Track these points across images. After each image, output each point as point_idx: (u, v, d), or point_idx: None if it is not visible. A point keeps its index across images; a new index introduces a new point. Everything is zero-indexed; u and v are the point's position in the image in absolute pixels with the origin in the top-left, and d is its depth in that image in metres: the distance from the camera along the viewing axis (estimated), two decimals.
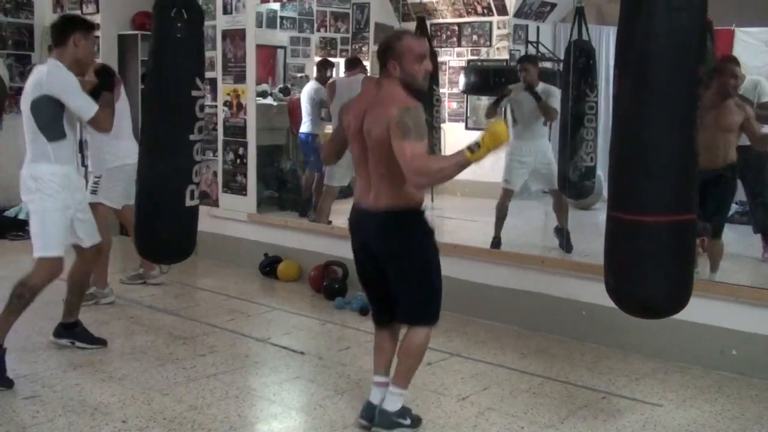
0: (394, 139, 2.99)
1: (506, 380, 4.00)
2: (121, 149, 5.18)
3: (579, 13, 5.81)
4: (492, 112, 6.38)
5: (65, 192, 3.91)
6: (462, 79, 8.39)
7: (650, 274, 3.00)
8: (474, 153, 2.88)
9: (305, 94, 7.65)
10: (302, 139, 7.75)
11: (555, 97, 6.04)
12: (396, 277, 3.30)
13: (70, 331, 4.32)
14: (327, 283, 5.49)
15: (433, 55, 7.61)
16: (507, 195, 6.16)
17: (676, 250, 2.99)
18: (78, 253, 4.19)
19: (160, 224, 4.07)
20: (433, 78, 7.39)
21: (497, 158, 9.20)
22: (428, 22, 8.11)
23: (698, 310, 4.16)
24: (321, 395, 3.75)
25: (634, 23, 2.84)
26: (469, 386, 3.90)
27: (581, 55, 5.52)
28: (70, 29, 3.94)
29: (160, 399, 3.64)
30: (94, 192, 5.16)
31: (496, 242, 5.97)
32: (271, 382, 3.93)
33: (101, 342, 4.35)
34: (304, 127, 7.61)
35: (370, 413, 3.37)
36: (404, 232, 3.24)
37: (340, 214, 6.50)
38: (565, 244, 5.71)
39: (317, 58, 9.16)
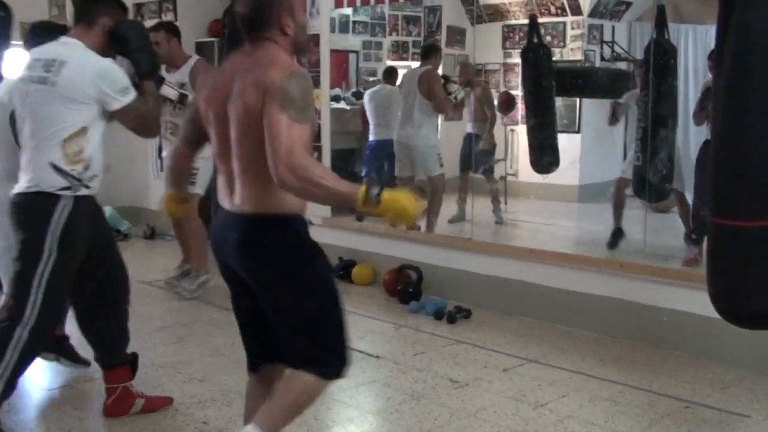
0: (269, 110, 2.19)
1: (585, 387, 3.92)
2: None
3: (660, 12, 5.68)
4: (614, 120, 6.39)
5: None
6: None
7: (752, 284, 2.85)
8: (367, 202, 2.20)
9: (382, 98, 7.63)
10: (374, 146, 7.70)
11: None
12: (272, 313, 2.49)
13: None
14: (401, 287, 5.49)
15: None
16: (622, 183, 6.10)
17: None
18: None
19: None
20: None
21: (572, 160, 9.20)
22: (502, 24, 8.04)
23: None
24: (397, 399, 3.74)
25: (729, 18, 2.72)
26: (548, 393, 3.84)
27: (664, 54, 5.39)
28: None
29: (240, 401, 3.65)
30: (191, 183, 5.35)
31: (618, 233, 5.90)
32: (347, 385, 3.94)
33: None
34: (381, 134, 7.55)
35: None
36: (276, 248, 2.40)
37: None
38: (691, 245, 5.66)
39: (389, 62, 9.19)
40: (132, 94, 3.17)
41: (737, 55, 2.71)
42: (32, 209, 3.11)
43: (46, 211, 3.07)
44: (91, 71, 3.11)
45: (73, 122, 3.09)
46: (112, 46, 3.25)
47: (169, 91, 5.24)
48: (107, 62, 3.19)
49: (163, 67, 5.33)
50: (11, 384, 3.09)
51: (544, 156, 6.77)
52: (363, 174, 7.74)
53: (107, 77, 3.12)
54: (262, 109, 2.21)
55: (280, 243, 2.40)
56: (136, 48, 3.28)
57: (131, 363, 3.52)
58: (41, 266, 3.06)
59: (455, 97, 6.84)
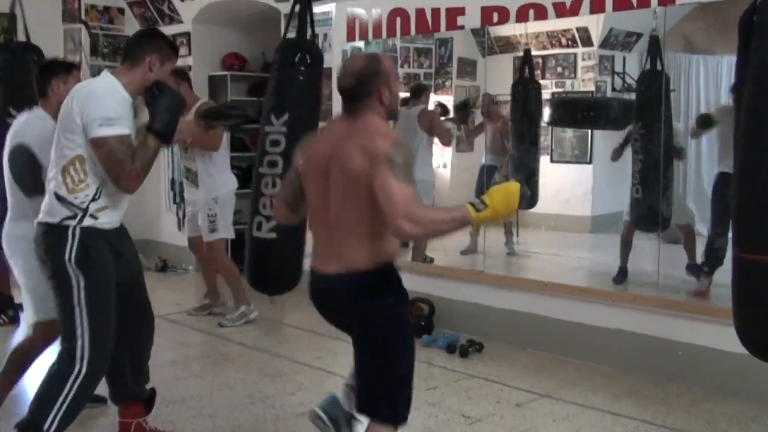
0: (379, 176, 2.46)
1: (599, 423, 3.88)
2: (228, 177, 5.69)
3: (653, 43, 5.70)
4: (618, 154, 6.33)
5: None
6: (547, 111, 8.32)
7: None
8: (479, 212, 2.47)
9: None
10: None
11: (679, 133, 6.02)
12: (356, 350, 2.74)
13: None
14: (413, 320, 5.46)
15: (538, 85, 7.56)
16: (630, 227, 6.03)
17: None
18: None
19: (244, 252, 4.26)
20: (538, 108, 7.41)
21: (585, 193, 9.17)
22: (513, 55, 8.07)
23: None
24: None
25: (748, 52, 2.71)
26: (561, 429, 3.80)
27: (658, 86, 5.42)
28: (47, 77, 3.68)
29: None
30: (213, 231, 5.48)
31: (623, 272, 5.89)
32: None
33: None
34: None
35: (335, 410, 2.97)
36: (373, 298, 2.66)
37: (435, 251, 6.51)
38: (696, 275, 5.56)
39: (401, 94, 9.23)
40: (115, 129, 2.93)
41: (757, 87, 2.69)
42: (46, 242, 3.06)
43: (57, 243, 3.02)
44: (81, 95, 3.00)
45: (68, 150, 3.00)
46: (145, 92, 3.11)
47: None
48: (105, 86, 3.03)
49: None
50: (69, 416, 3.03)
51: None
52: None
53: (93, 100, 2.96)
54: (369, 173, 2.48)
55: (380, 291, 2.66)
56: (164, 105, 3.10)
57: (146, 400, 3.47)
58: (75, 293, 2.99)
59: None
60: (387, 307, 2.68)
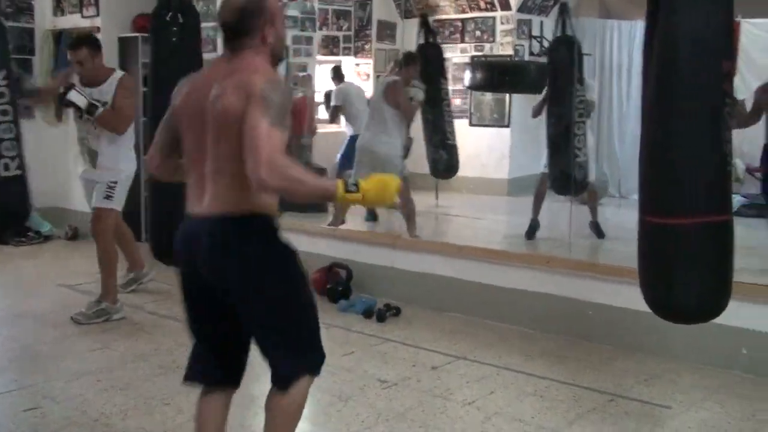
0: (250, 115, 2.23)
1: (513, 383, 3.94)
2: (132, 156, 5.19)
3: (563, 10, 5.80)
4: (539, 111, 6.41)
5: None
6: (467, 75, 8.35)
7: (682, 278, 2.89)
8: (348, 193, 2.31)
9: (358, 94, 7.95)
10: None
11: (592, 89, 6.43)
12: (249, 320, 2.47)
13: None
14: (330, 286, 5.44)
15: (438, 49, 7.62)
16: (545, 179, 6.29)
17: (708, 253, 2.85)
18: None
19: None
20: (441, 72, 7.41)
21: (502, 157, 9.26)
22: (431, 19, 8.05)
23: None
24: (325, 402, 3.69)
25: (656, 20, 2.75)
26: (475, 390, 3.85)
27: (566, 51, 5.52)
28: None
29: (162, 408, 3.60)
30: (109, 197, 5.04)
31: (534, 225, 6.16)
32: None
33: None
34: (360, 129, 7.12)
35: None
36: (251, 248, 2.40)
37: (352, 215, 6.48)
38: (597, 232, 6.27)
39: (320, 57, 9.14)
40: None
41: (665, 59, 2.75)
42: None
43: None
44: None
45: None
46: None
47: (76, 98, 4.79)
48: None
49: (78, 80, 4.89)
50: None
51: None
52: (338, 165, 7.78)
53: None
54: (243, 113, 2.26)
55: (254, 242, 2.41)
56: None
57: None
58: None
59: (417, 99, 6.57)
60: (272, 258, 2.43)
